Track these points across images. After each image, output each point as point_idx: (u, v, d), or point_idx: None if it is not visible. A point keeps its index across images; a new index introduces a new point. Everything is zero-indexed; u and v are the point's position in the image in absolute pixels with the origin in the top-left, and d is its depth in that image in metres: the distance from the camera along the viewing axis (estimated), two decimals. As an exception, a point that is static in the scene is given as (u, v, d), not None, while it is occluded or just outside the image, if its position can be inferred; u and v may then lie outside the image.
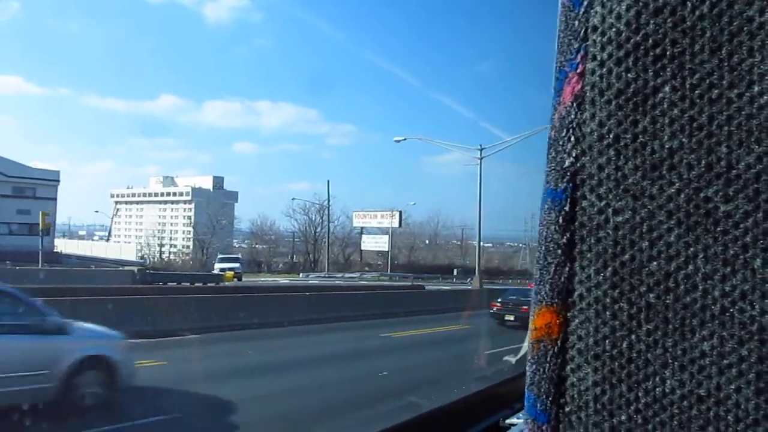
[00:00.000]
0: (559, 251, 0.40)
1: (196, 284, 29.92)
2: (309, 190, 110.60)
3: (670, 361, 0.36)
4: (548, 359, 0.40)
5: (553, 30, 0.40)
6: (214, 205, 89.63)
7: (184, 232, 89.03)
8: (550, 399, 0.40)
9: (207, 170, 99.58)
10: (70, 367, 6.83)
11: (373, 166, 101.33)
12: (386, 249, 60.94)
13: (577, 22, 0.39)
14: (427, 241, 73.84)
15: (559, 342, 0.40)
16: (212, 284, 30.95)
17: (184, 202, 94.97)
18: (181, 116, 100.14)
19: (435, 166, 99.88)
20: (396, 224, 60.97)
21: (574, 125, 0.39)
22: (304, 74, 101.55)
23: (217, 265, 40.78)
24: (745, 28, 0.34)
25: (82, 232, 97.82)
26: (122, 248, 50.96)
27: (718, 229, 0.35)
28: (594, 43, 0.39)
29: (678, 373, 0.36)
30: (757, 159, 0.34)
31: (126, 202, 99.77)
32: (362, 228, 63.10)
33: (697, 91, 0.36)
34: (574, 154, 0.39)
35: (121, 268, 31.71)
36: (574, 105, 0.39)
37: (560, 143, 0.40)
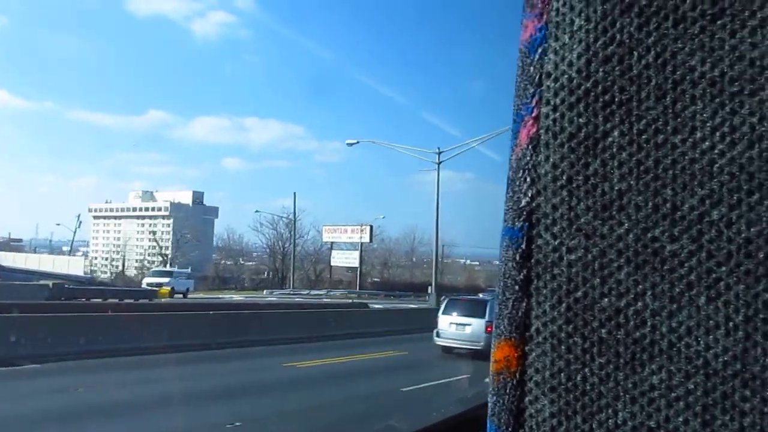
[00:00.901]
0: (517, 287, 0.41)
1: (126, 300, 26.88)
2: (297, 206, 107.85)
3: (621, 393, 0.37)
4: (507, 391, 0.41)
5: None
6: (193, 220, 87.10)
7: (154, 247, 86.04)
8: (510, 429, 0.41)
9: (196, 185, 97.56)
10: None
11: (361, 183, 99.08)
12: (356, 265, 57.80)
13: (532, 68, 0.41)
14: (403, 258, 70.76)
15: (517, 374, 0.41)
16: (146, 300, 27.89)
17: (163, 217, 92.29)
18: (170, 131, 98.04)
19: (427, 184, 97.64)
20: (366, 239, 57.92)
21: (530, 166, 0.40)
22: (292, 91, 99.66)
23: (146, 280, 37.68)
24: (687, 77, 0.36)
25: (65, 248, 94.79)
26: (70, 262, 47.76)
27: (665, 267, 0.36)
28: (548, 89, 0.40)
29: (629, 405, 0.37)
30: (700, 201, 0.35)
31: (104, 217, 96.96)
32: (332, 243, 60.07)
33: (643, 136, 0.37)
34: (530, 194, 0.40)
35: (37, 282, 28.63)
36: (530, 147, 0.40)
37: (517, 183, 0.41)
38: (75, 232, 66.88)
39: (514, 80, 0.41)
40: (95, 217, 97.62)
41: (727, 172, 0.35)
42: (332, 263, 59.81)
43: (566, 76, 0.39)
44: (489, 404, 0.43)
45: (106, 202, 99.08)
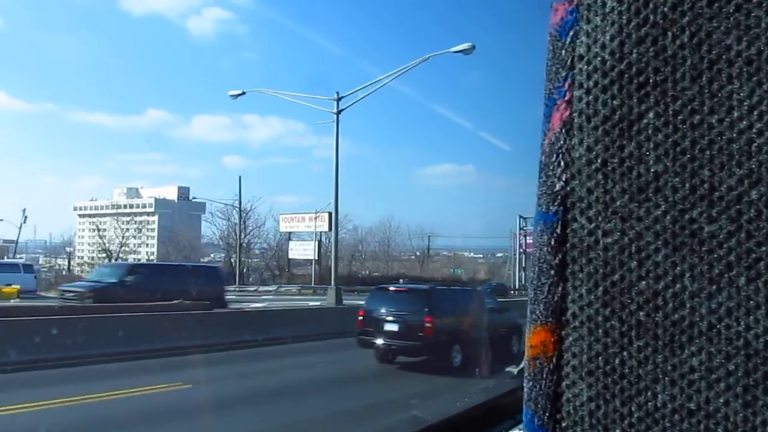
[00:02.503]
0: (552, 272, 0.40)
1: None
2: (298, 203, 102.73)
3: (660, 376, 0.37)
4: (544, 376, 0.40)
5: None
6: (178, 216, 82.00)
7: (139, 245, 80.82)
8: (547, 414, 0.40)
9: (197, 184, 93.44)
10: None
11: (362, 178, 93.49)
12: (315, 257, 50.94)
13: (564, 52, 0.40)
14: (378, 249, 63.65)
15: (554, 359, 0.40)
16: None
17: (148, 214, 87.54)
18: (170, 130, 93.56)
19: (427, 178, 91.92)
20: (325, 227, 51.01)
21: (564, 150, 0.40)
22: (291, 86, 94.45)
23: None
24: (723, 56, 0.35)
25: (68, 248, 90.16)
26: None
27: (703, 249, 0.35)
28: (581, 72, 0.39)
29: (669, 387, 0.36)
30: (739, 181, 0.34)
31: (89, 215, 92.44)
32: (290, 233, 53.36)
33: (679, 117, 0.36)
34: (564, 179, 0.40)
35: None
36: (563, 131, 0.40)
37: (550, 168, 0.40)
38: (20, 229, 61.59)
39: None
40: (80, 216, 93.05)
41: (766, 151, 0.34)
42: (290, 255, 53.13)
43: (599, 58, 0.38)
44: (525, 390, 0.42)
45: (92, 200, 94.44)
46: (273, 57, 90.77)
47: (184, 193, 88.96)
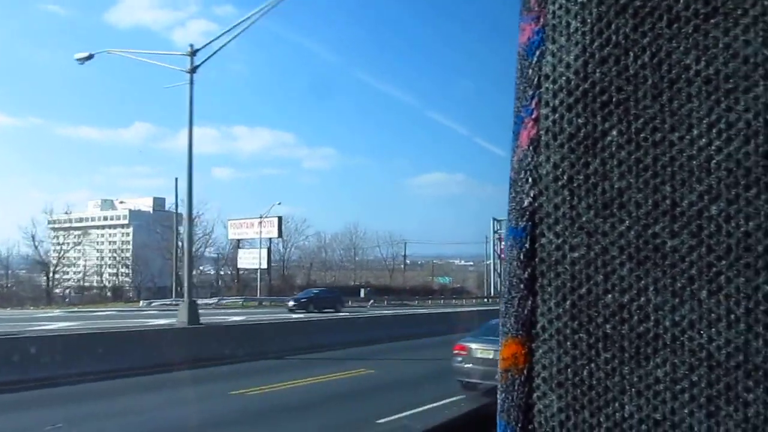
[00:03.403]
0: (522, 285, 0.41)
1: None
2: (288, 214, 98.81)
3: (627, 387, 0.37)
4: (516, 387, 0.41)
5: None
6: (153, 228, 78.07)
7: (115, 257, 76.82)
8: (519, 425, 0.41)
9: (185, 196, 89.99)
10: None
11: (354, 189, 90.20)
12: (264, 266, 46.25)
13: (530, 71, 0.41)
14: (344, 257, 58.80)
15: (525, 371, 0.41)
16: None
17: (122, 226, 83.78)
18: (157, 143, 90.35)
19: (417, 187, 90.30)
20: (274, 234, 46.42)
21: (531, 167, 0.40)
22: (279, 98, 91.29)
23: None
24: (683, 76, 0.36)
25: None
26: None
27: (667, 263, 0.36)
28: (547, 90, 0.40)
29: (635, 398, 0.37)
30: (699, 197, 0.35)
31: (63, 228, 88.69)
32: (238, 241, 48.80)
33: (641, 135, 0.37)
34: (532, 194, 0.40)
35: None
36: (531, 148, 0.40)
37: (519, 184, 0.41)
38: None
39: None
40: (54, 229, 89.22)
41: (725, 167, 0.35)
42: (239, 265, 48.53)
43: (564, 77, 0.39)
44: (498, 401, 0.42)
45: (66, 213, 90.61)
46: (260, 69, 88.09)
47: (159, 204, 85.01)
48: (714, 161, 0.35)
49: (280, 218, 46.70)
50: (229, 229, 48.75)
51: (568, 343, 0.39)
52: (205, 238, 51.38)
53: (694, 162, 0.35)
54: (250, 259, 47.69)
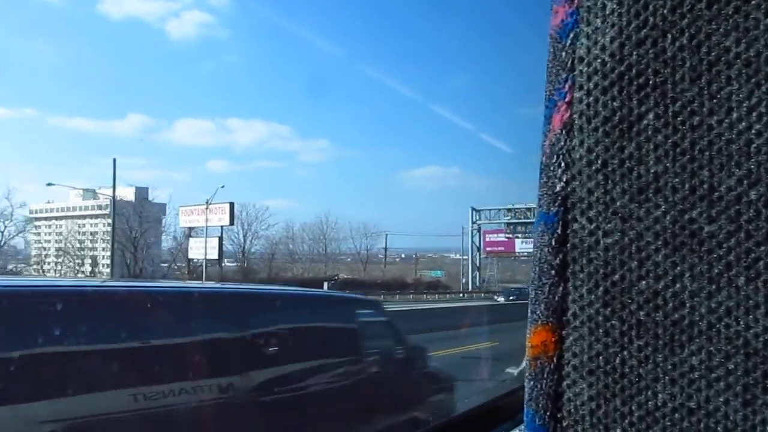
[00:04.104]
0: (553, 272, 0.40)
1: None
2: (284, 206, 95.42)
3: (661, 375, 0.36)
4: (545, 375, 0.40)
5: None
6: (136, 218, 75.07)
7: (94, 248, 73.82)
8: (548, 414, 0.40)
9: (182, 188, 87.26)
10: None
11: (349, 181, 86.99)
12: (215, 256, 42.32)
13: (564, 54, 0.40)
14: (314, 248, 54.71)
15: (555, 359, 0.40)
16: None
17: (104, 216, 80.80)
18: (152, 135, 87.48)
19: (413, 180, 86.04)
20: (225, 221, 42.43)
21: (564, 152, 0.39)
22: (274, 90, 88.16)
23: None
24: (722, 58, 0.35)
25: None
26: None
27: (703, 248, 0.35)
28: (581, 73, 0.39)
29: (669, 386, 0.36)
30: (738, 181, 0.34)
31: (45, 218, 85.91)
32: (190, 229, 44.93)
33: (679, 118, 0.36)
34: (564, 179, 0.39)
35: None
36: (564, 132, 0.40)
37: (551, 169, 0.40)
38: None
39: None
40: (36, 219, 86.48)
41: (765, 151, 0.34)
42: (190, 255, 44.66)
43: (599, 60, 0.38)
44: (526, 389, 0.41)
45: (48, 203, 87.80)
46: (255, 61, 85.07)
47: (142, 194, 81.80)
48: (754, 145, 0.34)
49: (231, 204, 42.72)
50: (180, 216, 44.93)
51: (600, 331, 0.38)
52: (157, 225, 47.47)
53: (733, 146, 0.34)
54: (201, 249, 43.81)
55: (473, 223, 51.40)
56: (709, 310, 0.35)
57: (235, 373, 3.08)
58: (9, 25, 74.05)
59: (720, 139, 0.35)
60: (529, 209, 49.82)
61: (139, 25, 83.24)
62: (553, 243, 0.40)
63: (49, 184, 38.95)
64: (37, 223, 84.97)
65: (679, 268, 0.36)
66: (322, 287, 44.40)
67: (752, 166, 0.34)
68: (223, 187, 44.78)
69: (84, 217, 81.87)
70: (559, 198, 0.39)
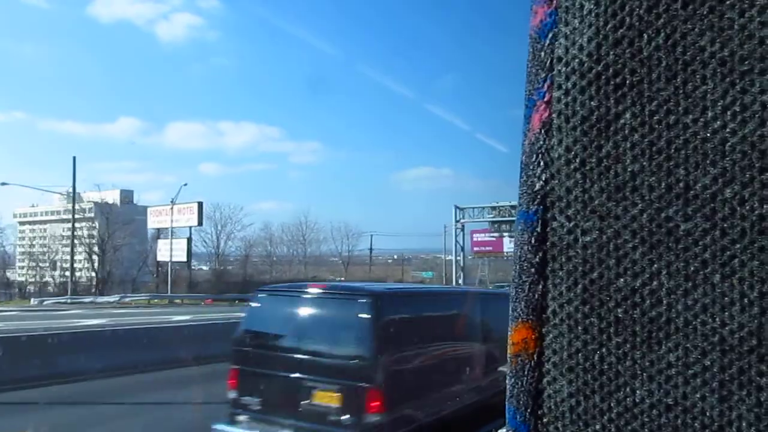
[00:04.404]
0: (533, 270, 0.40)
1: None
2: (277, 209, 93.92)
3: (639, 372, 0.37)
4: (526, 372, 0.40)
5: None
6: (121, 221, 73.27)
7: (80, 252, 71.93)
8: (528, 410, 0.40)
9: (174, 192, 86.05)
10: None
11: (341, 183, 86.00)
12: (183, 258, 40.40)
13: (543, 53, 0.40)
14: (295, 251, 52.68)
15: (535, 356, 0.40)
16: None
17: (87, 219, 79.08)
18: (143, 138, 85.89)
19: (405, 182, 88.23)
20: (194, 222, 40.51)
21: (543, 151, 0.40)
22: (265, 92, 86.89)
23: None
24: (697, 58, 0.35)
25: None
26: None
27: (679, 246, 0.35)
28: (559, 73, 0.39)
29: (647, 383, 0.36)
30: (713, 180, 0.35)
31: (29, 222, 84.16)
32: (159, 230, 43.03)
33: (655, 117, 0.36)
34: (543, 178, 0.40)
35: None
36: (543, 131, 0.40)
37: (530, 168, 0.40)
38: None
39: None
40: (21, 223, 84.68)
41: (739, 150, 0.34)
42: (158, 257, 42.73)
43: (577, 60, 0.38)
44: (507, 387, 0.42)
45: (32, 206, 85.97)
46: (244, 63, 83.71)
47: (127, 197, 79.93)
48: (728, 144, 0.34)
49: (200, 204, 40.81)
50: (149, 217, 42.99)
51: (579, 328, 0.38)
52: (126, 227, 45.52)
53: (708, 145, 0.34)
54: (169, 251, 41.85)
55: (457, 221, 49.34)
56: (685, 307, 0.35)
57: (470, 338, 6.36)
58: None
59: (695, 138, 0.35)
60: (513, 207, 46.88)
61: (129, 28, 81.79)
62: (533, 241, 0.40)
63: (2, 184, 36.87)
64: (21, 228, 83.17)
65: (656, 265, 0.36)
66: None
67: (727, 165, 0.34)
68: (186, 185, 42.83)
69: (66, 220, 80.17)
70: (539, 196, 0.39)
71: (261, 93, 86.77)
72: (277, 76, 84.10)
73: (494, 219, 47.79)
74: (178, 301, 36.22)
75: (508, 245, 51.43)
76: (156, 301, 35.53)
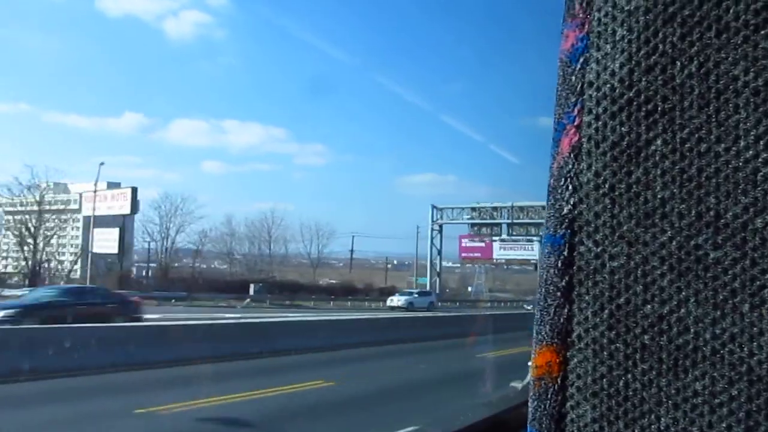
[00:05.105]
0: (558, 293, 0.40)
1: None
2: (280, 210, 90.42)
3: (664, 399, 0.36)
4: (549, 396, 0.40)
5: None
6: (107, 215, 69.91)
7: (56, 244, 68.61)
8: None
9: (176, 189, 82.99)
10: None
11: (346, 187, 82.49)
12: (115, 250, 35.89)
13: (574, 78, 0.40)
14: (253, 247, 47.72)
15: (559, 380, 0.40)
16: None
17: (72, 211, 76.06)
18: (148, 134, 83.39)
19: (407, 186, 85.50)
20: (126, 209, 35.99)
21: (572, 175, 0.39)
22: (272, 93, 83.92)
23: None
24: (731, 87, 0.35)
25: None
26: None
27: (708, 274, 0.35)
28: (590, 98, 0.39)
29: (672, 411, 0.36)
30: (744, 209, 0.34)
31: (14, 212, 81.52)
32: (93, 218, 38.56)
33: (686, 145, 0.36)
34: (572, 202, 0.39)
35: None
36: (572, 156, 0.39)
37: (559, 191, 0.40)
38: None
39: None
40: (5, 212, 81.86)
41: None
42: (93, 248, 38.21)
43: (608, 85, 0.38)
44: (529, 409, 0.41)
45: (18, 195, 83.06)
46: (252, 62, 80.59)
47: (114, 188, 76.67)
48: (760, 173, 0.34)
49: (134, 189, 36.31)
50: (82, 203, 38.53)
51: (605, 353, 0.38)
52: (57, 218, 41.16)
53: (740, 174, 0.34)
54: (102, 241, 37.37)
55: (433, 221, 43.99)
56: (713, 336, 0.35)
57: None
58: (5, 18, 70.35)
59: (727, 167, 0.35)
60: (495, 209, 42.73)
61: (137, 23, 78.87)
62: (560, 265, 0.40)
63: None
64: (7, 217, 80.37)
65: (684, 293, 0.36)
66: (247, 290, 37.86)
67: (758, 194, 0.34)
68: (102, 164, 38.14)
69: (52, 212, 76.93)
70: (566, 220, 0.39)
71: (267, 93, 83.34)
72: (283, 77, 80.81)
73: (474, 221, 42.93)
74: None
75: (498, 251, 46.32)
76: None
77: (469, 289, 59.03)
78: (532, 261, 43.64)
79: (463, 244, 46.14)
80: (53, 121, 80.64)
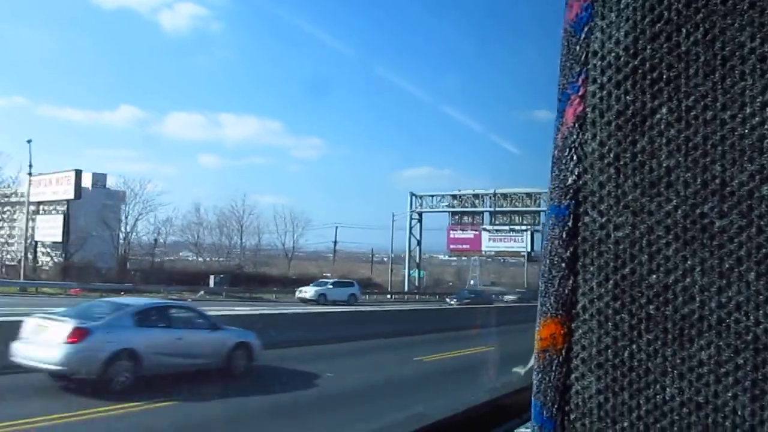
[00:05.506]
0: (563, 265, 0.39)
1: None
2: (276, 203, 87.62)
3: (669, 369, 0.36)
4: (553, 368, 0.40)
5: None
6: (92, 206, 67.45)
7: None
8: (555, 407, 0.40)
9: (172, 182, 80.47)
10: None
11: (344, 180, 79.64)
12: (58, 238, 32.96)
13: (578, 47, 0.39)
14: (217, 237, 44.56)
15: (563, 351, 0.39)
16: None
17: (57, 202, 73.86)
18: (143, 128, 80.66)
19: (402, 180, 79.34)
20: (70, 194, 33.04)
21: (576, 145, 0.39)
22: (268, 86, 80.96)
23: None
24: (736, 53, 0.34)
25: None
26: None
27: (714, 243, 0.35)
28: (594, 67, 0.38)
29: (677, 381, 0.36)
30: (750, 177, 0.34)
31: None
32: (39, 204, 35.69)
33: (692, 113, 0.35)
34: (576, 173, 0.39)
35: None
36: (576, 126, 0.39)
37: (563, 162, 0.40)
38: None
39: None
40: (-10, 205, 79.69)
41: None
42: (37, 236, 35.34)
43: (613, 54, 0.38)
44: (534, 382, 0.41)
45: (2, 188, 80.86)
46: (248, 56, 77.80)
47: (99, 180, 73.91)
48: (766, 141, 0.33)
49: (78, 172, 33.33)
50: (30, 188, 35.61)
51: (609, 324, 0.38)
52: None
53: (746, 141, 0.34)
54: (47, 229, 34.44)
55: (412, 210, 40.72)
56: (719, 305, 0.34)
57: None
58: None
59: (733, 135, 0.34)
60: (476, 196, 39.44)
61: (132, 15, 75.82)
62: (564, 236, 0.39)
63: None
64: (-9, 210, 78.00)
65: (689, 262, 0.35)
66: (207, 282, 34.87)
67: (765, 162, 0.33)
68: (30, 141, 35.01)
69: (36, 204, 74.53)
70: (571, 191, 0.39)
71: (262, 86, 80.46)
72: (279, 70, 77.81)
73: (454, 209, 39.82)
74: (32, 289, 28.72)
75: (487, 243, 43.21)
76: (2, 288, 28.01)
77: (471, 282, 55.76)
78: (522, 253, 40.41)
79: (452, 236, 42.92)
80: (47, 114, 78.34)
